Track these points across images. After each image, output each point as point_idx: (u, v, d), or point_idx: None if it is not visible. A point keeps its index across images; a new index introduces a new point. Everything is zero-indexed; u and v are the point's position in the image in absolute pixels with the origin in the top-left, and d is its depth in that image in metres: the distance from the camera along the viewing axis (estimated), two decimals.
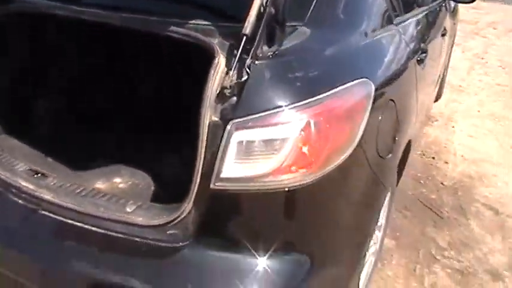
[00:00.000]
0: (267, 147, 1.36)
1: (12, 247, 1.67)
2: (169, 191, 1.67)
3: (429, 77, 2.94)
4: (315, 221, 1.53)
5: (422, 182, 3.59)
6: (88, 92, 2.51)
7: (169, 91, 2.60)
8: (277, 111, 1.35)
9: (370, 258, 2.34)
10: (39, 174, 1.77)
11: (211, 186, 1.38)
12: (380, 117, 1.69)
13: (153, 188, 1.98)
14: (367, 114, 1.55)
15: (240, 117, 1.34)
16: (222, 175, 1.37)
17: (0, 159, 1.86)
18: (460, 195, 3.47)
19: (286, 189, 1.40)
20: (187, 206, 1.43)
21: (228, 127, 1.34)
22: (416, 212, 3.25)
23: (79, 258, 1.58)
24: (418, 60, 2.31)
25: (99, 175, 2.01)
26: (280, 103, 1.36)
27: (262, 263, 1.47)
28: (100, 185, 1.96)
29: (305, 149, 1.36)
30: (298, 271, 1.52)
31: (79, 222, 1.58)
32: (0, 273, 1.72)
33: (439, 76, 3.85)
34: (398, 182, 2.57)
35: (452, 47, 4.45)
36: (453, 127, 4.40)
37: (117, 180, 2.03)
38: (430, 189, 3.50)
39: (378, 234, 2.35)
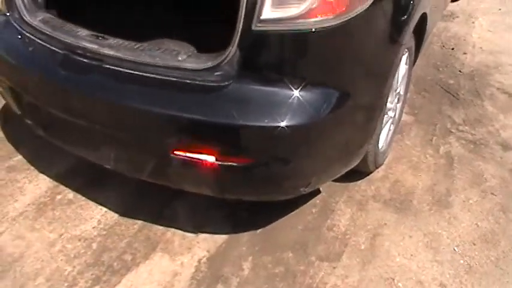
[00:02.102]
0: None
1: (81, 95, 2.01)
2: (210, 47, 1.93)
3: None
4: (340, 60, 1.81)
5: (441, 69, 3.80)
6: None
7: None
8: None
9: (388, 123, 2.61)
10: (100, 37, 2.06)
11: (253, 28, 1.66)
12: None
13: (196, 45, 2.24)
14: None
15: None
16: (262, 17, 1.64)
17: (63, 28, 2.16)
18: (476, 81, 3.68)
19: (313, 29, 1.67)
20: (232, 48, 1.72)
21: None
22: (434, 93, 3.49)
23: (140, 99, 1.89)
24: None
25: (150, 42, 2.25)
26: None
27: (295, 94, 1.76)
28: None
29: None
30: (326, 102, 1.80)
31: (138, 71, 1.88)
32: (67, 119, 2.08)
33: None
34: (417, 53, 2.79)
35: None
36: (473, 23, 4.53)
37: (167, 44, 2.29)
38: (448, 76, 3.72)
39: (395, 100, 2.60)
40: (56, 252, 2.23)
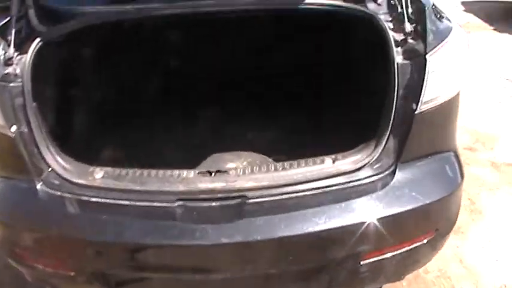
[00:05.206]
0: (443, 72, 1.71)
1: (230, 244, 1.62)
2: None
3: None
4: (453, 128, 1.92)
5: None
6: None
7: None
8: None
9: None
10: (212, 173, 1.73)
11: (417, 111, 1.65)
12: None
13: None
14: None
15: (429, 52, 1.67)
16: (424, 99, 1.66)
17: (153, 176, 1.75)
18: None
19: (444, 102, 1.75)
20: (385, 137, 1.68)
21: (428, 58, 1.65)
22: None
23: (311, 221, 1.62)
24: None
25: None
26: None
27: (452, 159, 1.87)
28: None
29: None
30: (455, 163, 1.88)
31: (294, 193, 1.66)
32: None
33: None
34: None
35: None
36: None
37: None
38: None
39: None
40: None
